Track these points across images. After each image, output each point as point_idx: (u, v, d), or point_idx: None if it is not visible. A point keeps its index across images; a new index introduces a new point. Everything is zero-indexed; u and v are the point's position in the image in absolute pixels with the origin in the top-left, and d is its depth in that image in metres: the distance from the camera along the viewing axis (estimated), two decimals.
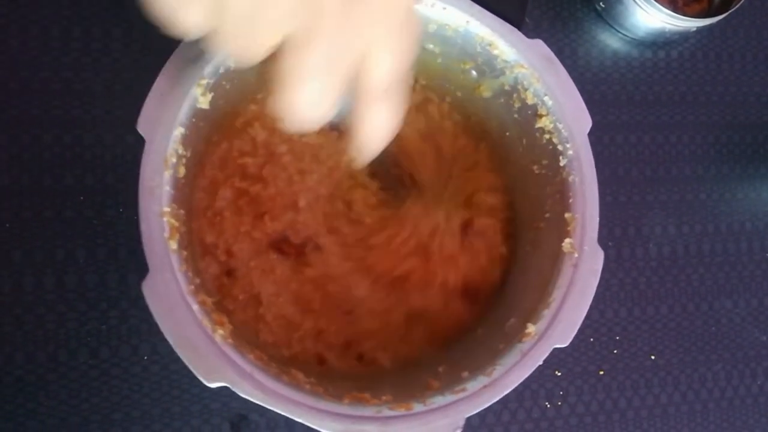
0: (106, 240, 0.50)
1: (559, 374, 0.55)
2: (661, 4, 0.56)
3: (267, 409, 0.37)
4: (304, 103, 0.28)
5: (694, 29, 0.59)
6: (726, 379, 0.59)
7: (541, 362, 0.40)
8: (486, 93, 0.49)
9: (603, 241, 0.57)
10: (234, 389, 0.36)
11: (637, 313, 0.58)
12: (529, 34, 0.46)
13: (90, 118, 0.51)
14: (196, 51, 0.40)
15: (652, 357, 0.58)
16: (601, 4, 0.61)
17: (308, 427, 0.38)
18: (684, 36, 0.62)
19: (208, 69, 0.40)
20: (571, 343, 0.56)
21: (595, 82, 0.60)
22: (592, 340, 0.57)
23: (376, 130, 0.32)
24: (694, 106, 0.62)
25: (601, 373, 0.56)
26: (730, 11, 0.57)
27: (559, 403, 0.55)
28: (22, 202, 0.49)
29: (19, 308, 0.48)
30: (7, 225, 0.49)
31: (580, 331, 0.56)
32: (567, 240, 0.43)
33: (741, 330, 0.60)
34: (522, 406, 0.54)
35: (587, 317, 0.56)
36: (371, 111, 0.31)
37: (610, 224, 0.59)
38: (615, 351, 0.57)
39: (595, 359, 0.56)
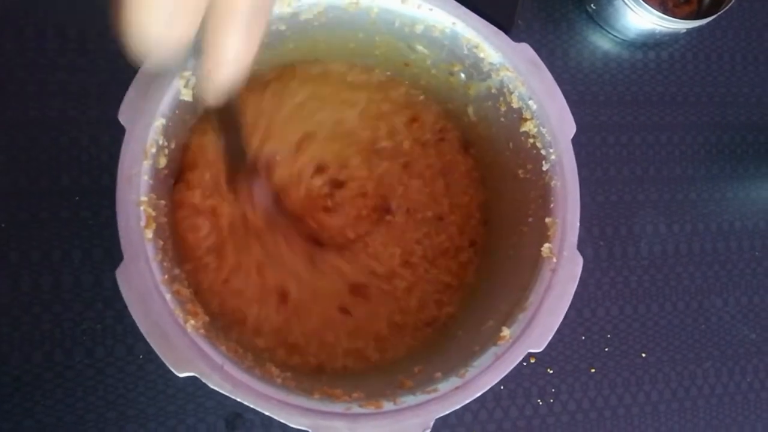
0: (102, 241, 0.50)
1: (551, 372, 0.56)
2: (651, 6, 0.57)
3: None
4: (156, 22, 0.25)
5: (684, 31, 0.60)
6: (716, 376, 0.59)
7: (513, 366, 0.40)
8: (474, 96, 0.49)
9: (594, 240, 0.59)
10: (203, 380, 0.37)
11: (628, 311, 0.59)
12: (521, 35, 0.46)
13: (86, 119, 0.51)
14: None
15: (643, 355, 0.58)
16: (592, 5, 0.62)
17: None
18: (674, 37, 0.63)
19: (192, 62, 0.41)
20: (562, 341, 0.57)
21: (586, 83, 0.61)
22: (583, 338, 0.57)
23: (227, 60, 0.29)
24: (684, 107, 0.63)
25: (593, 370, 0.57)
26: (719, 13, 0.58)
27: (551, 401, 0.55)
28: (19, 203, 0.49)
29: (16, 308, 0.48)
30: (3, 225, 0.49)
31: (572, 329, 0.57)
32: (546, 245, 0.43)
33: (730, 328, 0.61)
34: (514, 404, 0.55)
35: (579, 315, 0.57)
36: (225, 36, 0.28)
37: (602, 223, 0.60)
38: (606, 349, 0.58)
39: (586, 357, 0.57)
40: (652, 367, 0.58)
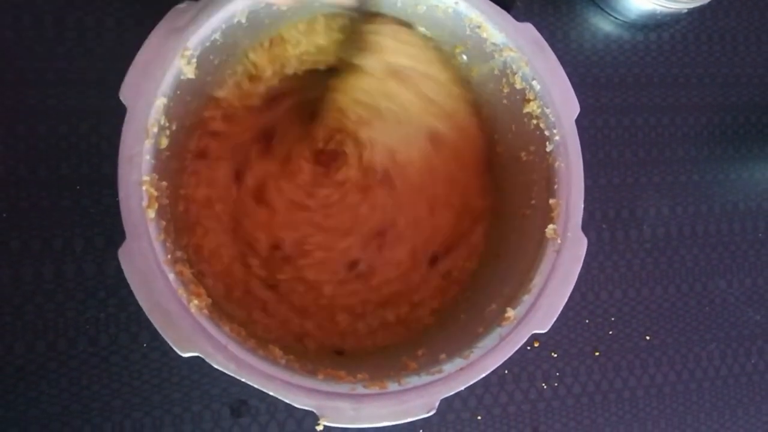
0: (104, 229, 0.50)
1: (556, 355, 0.56)
2: None
3: (267, 394, 0.37)
4: None
5: (685, 11, 0.59)
6: (720, 358, 0.59)
7: (518, 347, 0.40)
8: (476, 78, 0.49)
9: (597, 223, 0.58)
10: (207, 360, 0.36)
11: (631, 294, 0.58)
12: (521, 17, 0.46)
13: (85, 107, 0.51)
14: (180, 23, 0.40)
15: (647, 337, 0.58)
16: None
17: (306, 411, 0.38)
18: (675, 18, 0.62)
19: (193, 40, 0.40)
20: (566, 324, 0.56)
21: (587, 65, 0.61)
22: (587, 321, 0.57)
23: None
24: (686, 88, 0.63)
25: (597, 353, 0.57)
26: None
27: (556, 384, 0.55)
28: (19, 192, 0.49)
29: (19, 298, 0.48)
30: (5, 215, 0.49)
31: (576, 312, 0.57)
32: (550, 226, 0.43)
33: (735, 309, 0.60)
34: (519, 387, 0.55)
35: (583, 299, 0.57)
36: None
37: (604, 206, 0.59)
38: (610, 332, 0.57)
39: (590, 340, 0.57)
40: (656, 349, 0.58)
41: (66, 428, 0.47)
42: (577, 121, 0.45)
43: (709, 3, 0.58)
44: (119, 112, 0.39)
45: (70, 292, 0.49)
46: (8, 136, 0.50)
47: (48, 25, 0.52)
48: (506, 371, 0.54)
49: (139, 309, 0.49)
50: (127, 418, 0.48)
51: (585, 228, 0.43)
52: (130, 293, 0.49)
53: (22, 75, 0.51)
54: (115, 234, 0.50)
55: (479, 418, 0.53)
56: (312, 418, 0.51)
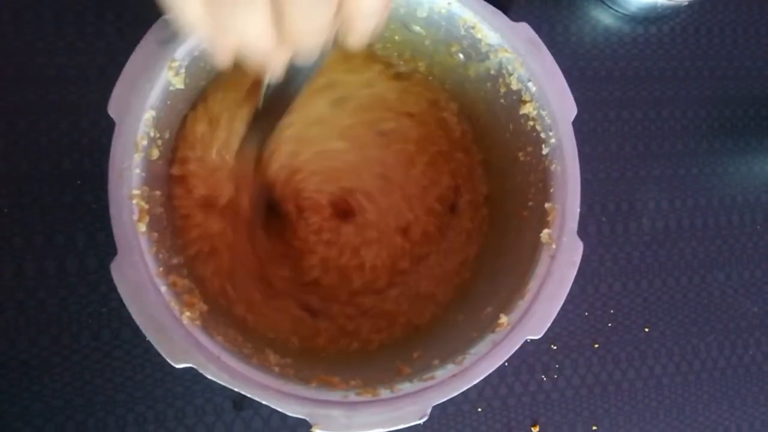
0: (105, 224, 0.49)
1: (555, 348, 0.56)
2: None
3: None
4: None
5: (686, 4, 0.59)
6: (718, 349, 0.60)
7: (511, 353, 0.40)
8: (474, 76, 0.49)
9: (596, 216, 0.59)
10: (200, 371, 0.37)
11: (631, 286, 0.59)
12: (521, 11, 0.46)
13: (85, 102, 0.51)
14: (168, 34, 0.40)
15: (646, 329, 0.58)
16: None
17: None
18: (675, 11, 0.62)
19: (180, 51, 0.40)
20: (566, 317, 0.57)
21: (587, 59, 0.61)
22: (587, 313, 0.57)
23: (365, 14, 0.29)
24: (686, 81, 0.63)
25: (596, 346, 0.57)
26: None
27: (555, 376, 0.56)
28: (21, 187, 0.49)
29: (21, 293, 0.48)
30: (6, 210, 0.49)
31: (575, 305, 0.57)
32: (545, 231, 0.42)
33: (733, 302, 0.61)
34: (519, 380, 0.55)
35: (582, 291, 0.57)
36: None
37: (604, 200, 0.60)
38: (609, 324, 0.58)
39: (590, 332, 0.57)
40: (655, 341, 0.58)
41: (69, 422, 0.48)
42: (577, 114, 0.45)
43: None
44: None
45: (72, 287, 0.49)
46: (9, 132, 0.50)
47: (48, 20, 0.51)
48: (506, 363, 0.54)
49: None
50: (131, 411, 0.49)
51: (584, 221, 0.43)
52: None
53: (23, 71, 0.51)
54: None
55: (479, 410, 0.54)
56: None
